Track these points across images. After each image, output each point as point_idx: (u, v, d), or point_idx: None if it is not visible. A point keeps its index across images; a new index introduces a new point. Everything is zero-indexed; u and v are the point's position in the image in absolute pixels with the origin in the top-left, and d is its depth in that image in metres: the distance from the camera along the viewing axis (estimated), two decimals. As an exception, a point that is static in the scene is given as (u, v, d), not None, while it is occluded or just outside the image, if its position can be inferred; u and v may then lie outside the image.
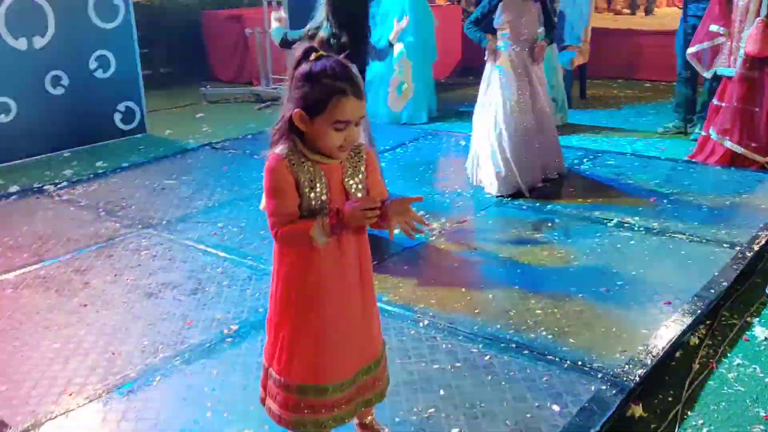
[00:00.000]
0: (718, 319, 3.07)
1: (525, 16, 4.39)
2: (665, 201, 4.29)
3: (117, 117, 6.36)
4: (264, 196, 1.91)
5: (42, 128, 5.82)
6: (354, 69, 1.90)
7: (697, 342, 2.91)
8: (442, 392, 2.53)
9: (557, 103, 6.08)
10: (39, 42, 5.71)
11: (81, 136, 6.11)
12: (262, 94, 7.77)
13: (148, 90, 7.07)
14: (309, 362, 1.95)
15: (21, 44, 5.61)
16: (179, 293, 3.37)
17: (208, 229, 4.12)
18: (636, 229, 3.90)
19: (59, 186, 5.02)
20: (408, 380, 2.60)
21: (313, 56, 1.87)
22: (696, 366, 2.75)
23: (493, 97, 4.46)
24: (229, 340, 2.94)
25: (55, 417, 2.47)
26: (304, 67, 1.86)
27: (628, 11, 9.88)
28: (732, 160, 4.86)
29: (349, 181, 1.93)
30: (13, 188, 5.00)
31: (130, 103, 6.44)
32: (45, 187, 4.99)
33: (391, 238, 1.97)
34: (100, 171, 5.38)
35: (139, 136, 6.46)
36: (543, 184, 4.59)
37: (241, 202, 4.53)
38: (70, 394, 2.60)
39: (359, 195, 1.93)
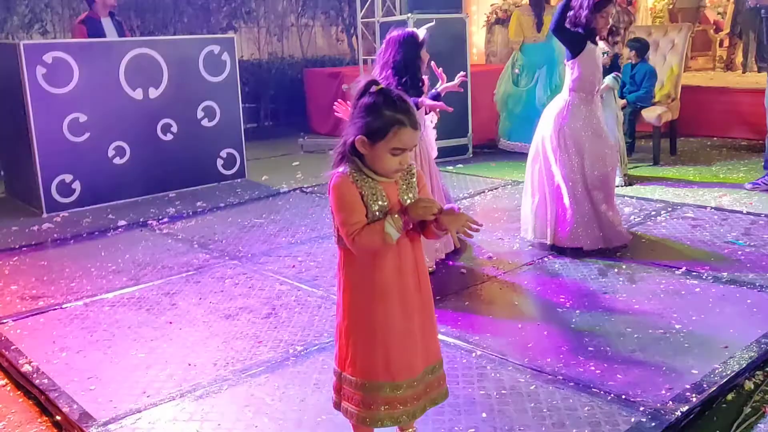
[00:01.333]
0: (780, 367, 3.03)
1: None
2: (740, 252, 4.25)
3: (219, 163, 6.86)
4: (334, 213, 2.15)
5: (152, 171, 6.38)
6: (411, 102, 2.15)
7: (752, 387, 2.88)
8: (484, 415, 2.65)
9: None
10: (153, 93, 6.31)
11: (186, 179, 6.62)
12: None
13: (253, 141, 7.59)
14: (383, 361, 2.16)
15: (138, 94, 6.22)
16: (254, 316, 3.65)
17: (287, 263, 4.42)
18: (704, 277, 3.89)
19: (161, 221, 5.50)
20: (453, 403, 2.72)
21: (374, 89, 2.12)
22: (748, 409, 2.74)
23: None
24: (293, 359, 3.17)
25: (133, 414, 2.76)
26: (368, 99, 2.11)
27: (711, 68, 9.83)
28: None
29: (404, 196, 2.17)
30: (121, 222, 5.51)
31: (232, 150, 6.93)
32: (149, 222, 5.48)
33: (456, 244, 2.25)
34: (199, 210, 5.84)
35: (238, 180, 6.93)
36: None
37: (321, 240, 4.82)
38: (148, 396, 2.89)
39: None
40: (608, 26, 4.42)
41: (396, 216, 2.08)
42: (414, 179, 2.21)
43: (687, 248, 4.39)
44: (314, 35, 10.56)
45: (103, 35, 6.56)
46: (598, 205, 4.36)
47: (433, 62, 4.28)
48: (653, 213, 5.13)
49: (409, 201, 2.16)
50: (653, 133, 7.00)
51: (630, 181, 6.19)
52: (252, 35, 9.94)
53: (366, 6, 8.05)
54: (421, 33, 4.01)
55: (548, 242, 4.44)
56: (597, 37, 4.39)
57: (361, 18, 8.15)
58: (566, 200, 4.35)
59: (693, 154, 7.42)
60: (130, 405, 2.82)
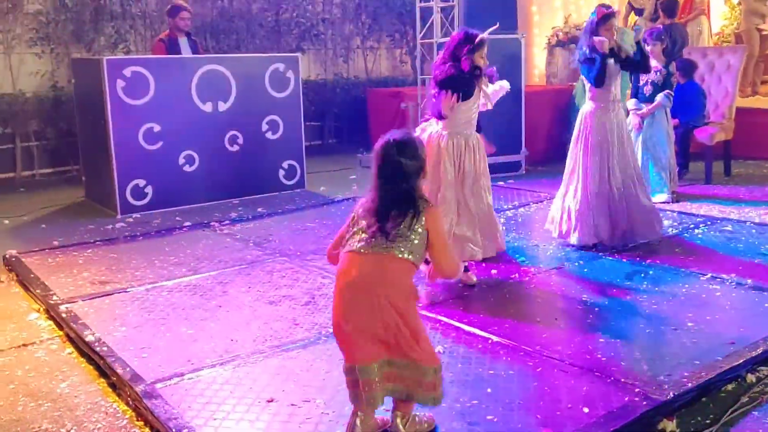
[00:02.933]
0: (786, 365, 3.13)
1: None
2: (769, 263, 4.33)
3: (281, 173, 7.28)
4: (442, 238, 2.58)
5: (218, 178, 6.83)
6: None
7: (754, 380, 3.01)
8: (489, 390, 2.88)
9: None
10: (222, 106, 6.79)
11: (249, 187, 7.04)
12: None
13: (316, 156, 7.96)
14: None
15: (207, 108, 6.70)
16: (295, 303, 3.98)
17: (332, 260, 4.73)
18: (727, 283, 4.00)
19: (223, 223, 5.92)
20: (463, 380, 2.97)
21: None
22: (745, 399, 2.87)
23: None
24: (325, 339, 3.47)
25: (177, 376, 3.11)
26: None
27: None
28: None
29: None
30: (186, 223, 5.96)
31: (293, 162, 7.34)
32: (211, 224, 5.91)
33: None
34: (259, 214, 6.25)
35: (298, 190, 7.32)
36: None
37: (366, 242, 5.12)
38: (192, 363, 3.24)
39: None
40: (614, 37, 4.74)
41: None
42: None
43: (718, 257, 4.49)
44: (379, 57, 10.96)
45: (179, 53, 7.11)
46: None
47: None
48: (692, 226, 5.23)
49: None
50: (705, 153, 7.04)
51: (677, 198, 6.26)
52: (319, 56, 10.42)
53: (426, 27, 8.39)
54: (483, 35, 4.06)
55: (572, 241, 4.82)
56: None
57: (420, 39, 8.50)
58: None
59: (748, 175, 7.39)
60: (175, 369, 3.18)
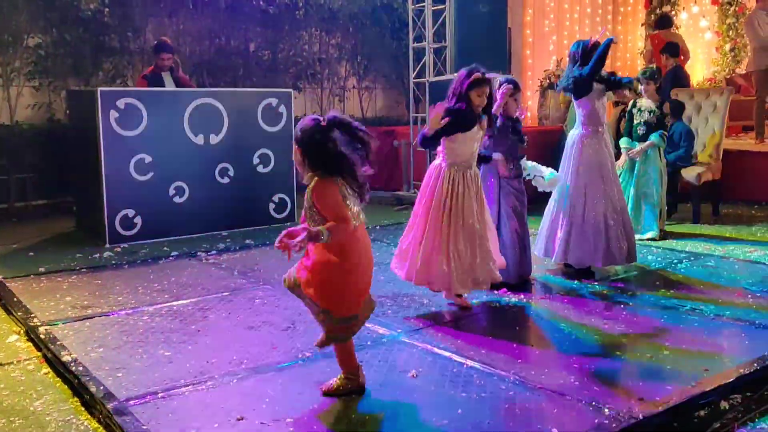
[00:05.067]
0: (761, 393, 3.12)
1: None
2: (749, 297, 4.34)
3: (271, 206, 7.32)
4: None
5: (208, 210, 6.86)
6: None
7: (727, 407, 3.00)
8: (459, 411, 2.87)
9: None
10: (214, 139, 6.86)
11: (239, 219, 7.07)
12: (403, 197, 8.55)
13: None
14: None
15: (199, 140, 6.78)
16: (274, 329, 3.98)
17: (315, 289, 4.74)
18: (706, 314, 4.01)
19: (209, 253, 5.94)
20: (435, 402, 2.97)
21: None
22: (717, 425, 2.86)
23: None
24: (301, 362, 3.47)
25: (150, 394, 3.10)
26: None
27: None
28: None
29: None
30: (174, 253, 5.98)
31: (284, 195, 7.39)
32: (198, 254, 5.93)
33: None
34: (246, 245, 6.27)
35: (288, 224, 7.36)
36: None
37: (350, 272, 5.14)
38: (166, 383, 3.24)
39: None
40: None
41: None
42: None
43: (698, 291, 4.51)
44: (375, 96, 11.13)
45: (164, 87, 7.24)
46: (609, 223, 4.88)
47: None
48: (675, 261, 5.25)
49: None
50: (692, 192, 7.10)
51: (664, 235, 6.30)
52: (315, 96, 10.57)
53: (418, 67, 8.55)
54: (492, 76, 4.22)
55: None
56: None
57: (414, 78, 8.64)
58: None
59: (736, 216, 7.44)
60: (148, 388, 3.17)
